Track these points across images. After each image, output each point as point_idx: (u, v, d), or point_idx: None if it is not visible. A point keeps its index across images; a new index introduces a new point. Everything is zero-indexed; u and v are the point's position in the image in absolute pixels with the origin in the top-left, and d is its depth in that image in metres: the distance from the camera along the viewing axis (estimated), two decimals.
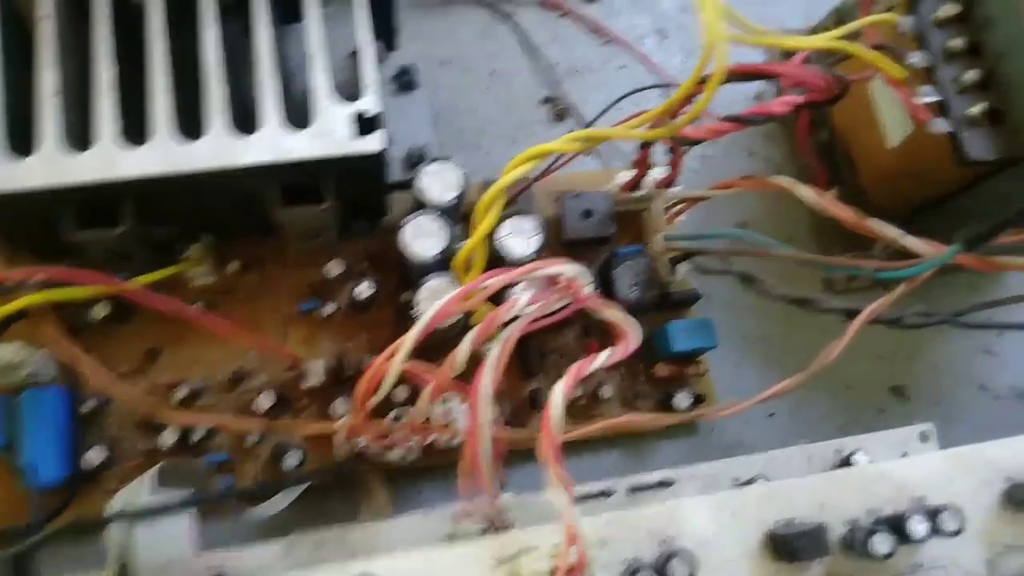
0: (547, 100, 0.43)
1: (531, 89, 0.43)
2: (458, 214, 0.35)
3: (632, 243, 0.39)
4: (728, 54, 0.27)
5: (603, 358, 0.26)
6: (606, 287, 0.37)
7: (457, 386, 0.27)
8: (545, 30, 0.44)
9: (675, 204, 0.38)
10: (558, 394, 0.24)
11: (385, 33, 0.38)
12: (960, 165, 0.32)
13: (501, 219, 0.34)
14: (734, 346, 0.40)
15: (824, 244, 0.42)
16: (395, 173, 0.38)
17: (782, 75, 0.30)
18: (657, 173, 0.38)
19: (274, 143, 0.30)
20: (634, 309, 0.37)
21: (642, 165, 0.36)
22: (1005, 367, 0.42)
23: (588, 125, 0.42)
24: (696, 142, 0.31)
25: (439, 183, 0.34)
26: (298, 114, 0.31)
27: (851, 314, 0.31)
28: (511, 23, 0.44)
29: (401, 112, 0.39)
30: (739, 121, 0.30)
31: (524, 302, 0.26)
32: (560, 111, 0.43)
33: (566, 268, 0.27)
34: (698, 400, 0.38)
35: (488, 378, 0.24)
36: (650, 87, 0.40)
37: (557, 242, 0.38)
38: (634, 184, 0.38)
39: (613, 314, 0.29)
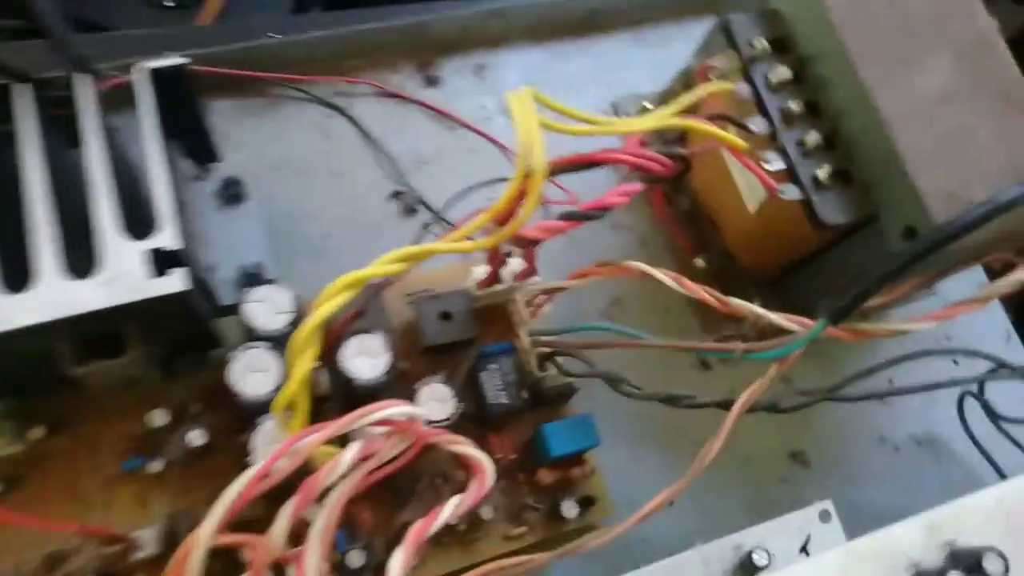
0: (395, 195, 0.40)
1: (376, 185, 0.40)
2: None
3: (501, 340, 0.36)
4: (543, 156, 0.24)
5: (449, 510, 0.22)
6: (475, 392, 0.34)
7: (286, 559, 0.23)
8: (385, 120, 0.41)
9: (537, 296, 0.35)
10: (397, 568, 0.21)
11: (200, 146, 0.35)
12: (816, 230, 0.31)
13: (346, 337, 0.31)
14: (622, 434, 0.38)
15: (703, 311, 0.41)
16: (227, 296, 0.34)
17: (616, 162, 0.28)
18: (515, 265, 0.35)
19: (54, 296, 0.26)
20: (506, 414, 0.34)
21: (495, 260, 0.34)
22: (901, 417, 0.41)
23: (438, 217, 0.39)
24: (533, 243, 0.28)
25: (267, 309, 0.31)
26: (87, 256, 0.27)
27: (725, 405, 0.28)
28: (346, 117, 0.41)
29: (229, 228, 0.36)
30: (576, 218, 0.27)
31: (349, 459, 0.22)
32: (410, 205, 0.40)
33: (397, 410, 0.24)
34: (588, 502, 0.35)
35: (313, 559, 0.21)
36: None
37: (416, 350, 0.35)
38: (491, 280, 0.35)
39: (463, 449, 0.25)
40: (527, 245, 0.29)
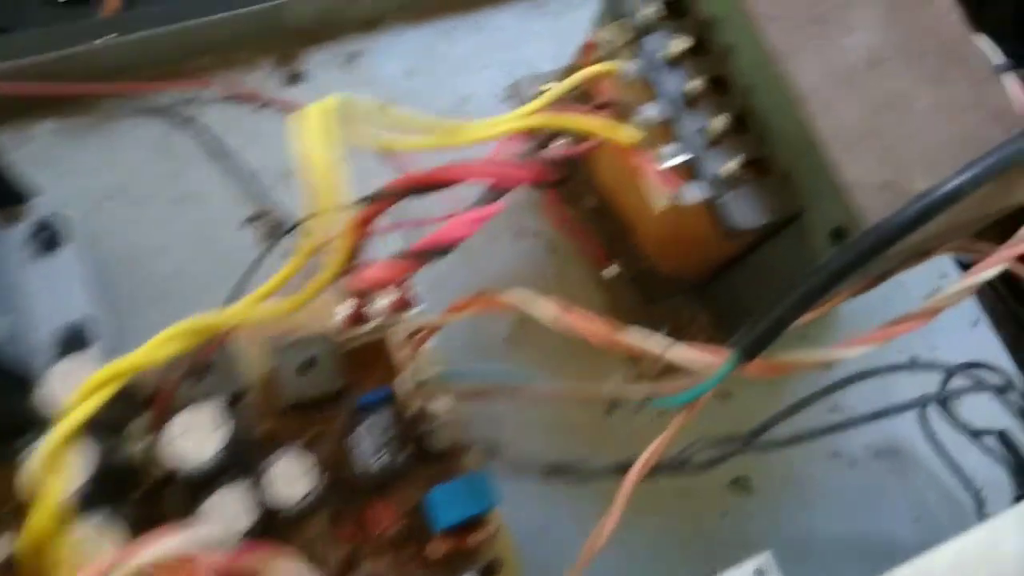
0: (254, 218, 0.34)
1: (232, 208, 0.34)
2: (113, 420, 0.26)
3: (382, 386, 0.31)
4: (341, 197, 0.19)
5: None
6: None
7: None
8: (240, 129, 0.35)
9: (415, 332, 0.30)
10: None
11: None
12: (726, 236, 0.25)
13: (174, 411, 0.26)
14: (536, 483, 0.32)
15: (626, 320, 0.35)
16: (45, 364, 0.28)
17: (464, 177, 0.22)
18: (387, 296, 0.30)
19: None
20: (387, 476, 0.29)
21: (360, 297, 0.28)
22: (856, 427, 0.36)
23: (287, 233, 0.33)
24: (374, 290, 0.23)
25: (72, 384, 0.25)
26: None
27: (622, 469, 0.23)
28: (194, 129, 0.35)
29: (43, 282, 0.30)
30: (418, 257, 0.22)
31: None
32: (272, 228, 0.34)
33: (167, 546, 0.18)
34: (492, 570, 0.30)
35: None
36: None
37: (278, 409, 0.30)
38: (358, 317, 0.30)
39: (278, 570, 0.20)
40: (367, 294, 0.23)
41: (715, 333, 0.34)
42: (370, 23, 0.38)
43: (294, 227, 0.33)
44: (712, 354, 0.23)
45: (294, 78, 0.36)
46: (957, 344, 0.38)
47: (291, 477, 0.27)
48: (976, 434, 0.32)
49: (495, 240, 0.36)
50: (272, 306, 0.21)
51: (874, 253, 0.21)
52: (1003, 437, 0.31)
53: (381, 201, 0.23)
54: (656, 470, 0.23)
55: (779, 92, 0.25)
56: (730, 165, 0.25)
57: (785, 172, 0.26)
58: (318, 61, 0.37)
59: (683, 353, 0.23)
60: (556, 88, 0.25)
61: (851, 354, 0.23)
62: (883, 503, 0.35)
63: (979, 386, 0.31)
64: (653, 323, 0.35)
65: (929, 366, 0.33)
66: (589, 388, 0.25)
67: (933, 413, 0.34)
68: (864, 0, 0.26)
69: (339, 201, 0.19)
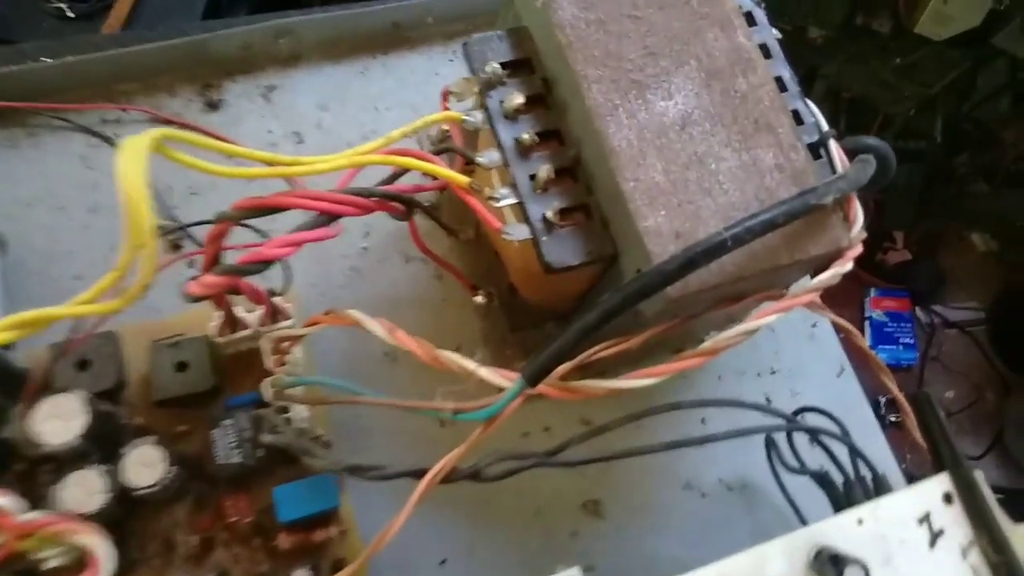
0: (160, 229, 0.37)
1: None
2: None
3: (252, 390, 0.33)
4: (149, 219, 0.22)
5: None
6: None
7: None
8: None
9: (282, 342, 0.32)
10: None
11: None
12: (546, 272, 0.28)
13: (38, 399, 0.29)
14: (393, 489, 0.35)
15: (494, 345, 0.38)
16: None
17: (293, 205, 0.25)
18: (258, 308, 0.33)
19: None
20: (240, 473, 0.32)
21: (222, 304, 0.31)
22: (712, 460, 0.38)
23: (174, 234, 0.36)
24: (198, 300, 0.25)
25: None
26: None
27: (417, 475, 0.26)
28: (113, 147, 0.38)
29: None
30: (238, 271, 0.25)
31: None
32: (174, 240, 0.37)
33: None
34: (338, 567, 0.32)
35: None
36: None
37: (146, 403, 0.33)
38: (228, 325, 0.32)
39: (78, 539, 0.23)
40: (196, 300, 0.26)
41: None
42: (288, 60, 0.41)
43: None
44: (507, 378, 0.26)
45: (212, 105, 0.40)
46: (819, 390, 0.40)
47: (143, 465, 0.29)
48: (810, 473, 0.34)
49: (386, 262, 0.39)
50: (99, 306, 0.24)
51: (640, 296, 0.24)
52: (819, 477, 0.33)
53: (226, 221, 0.26)
54: (449, 479, 0.25)
55: (597, 146, 0.27)
56: (552, 207, 0.28)
57: (604, 218, 0.28)
58: (237, 92, 0.40)
59: (486, 374, 0.26)
60: (396, 131, 0.28)
61: (635, 384, 0.25)
62: (727, 535, 0.37)
63: (814, 432, 0.33)
64: (526, 348, 0.38)
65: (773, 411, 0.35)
66: (412, 401, 0.28)
67: (781, 451, 0.36)
68: (685, 68, 0.28)
69: (147, 221, 0.22)
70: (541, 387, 0.25)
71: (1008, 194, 1.13)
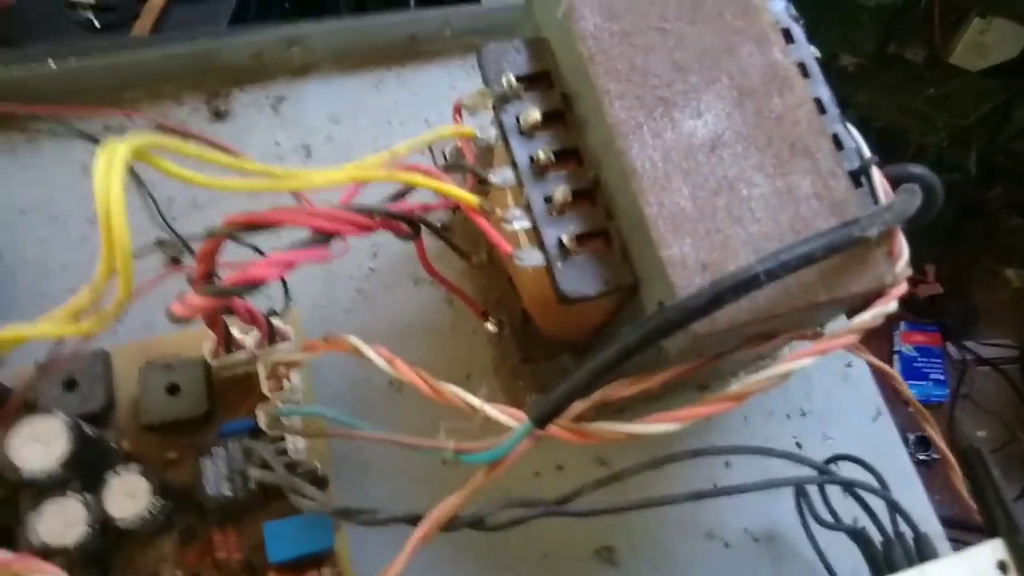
0: (162, 242, 0.36)
1: (140, 233, 0.36)
2: None
3: (248, 416, 0.31)
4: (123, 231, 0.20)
5: None
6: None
7: None
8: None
9: (278, 367, 0.31)
10: None
11: None
12: (560, 302, 0.26)
13: (17, 421, 0.27)
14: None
15: (503, 375, 0.36)
16: None
17: (287, 222, 0.23)
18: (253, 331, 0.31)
19: None
20: (229, 507, 0.30)
21: (215, 326, 0.29)
22: (737, 509, 0.35)
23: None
24: (182, 321, 0.24)
25: None
26: None
27: (412, 520, 0.23)
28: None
29: None
30: (226, 291, 0.23)
31: None
32: (174, 255, 0.35)
33: None
34: None
35: None
36: None
37: (134, 427, 0.31)
38: (222, 347, 0.31)
39: None
40: (179, 321, 0.24)
41: None
42: (300, 70, 0.39)
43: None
44: (515, 418, 0.23)
45: (219, 115, 0.38)
46: (853, 435, 0.37)
47: (126, 495, 0.27)
48: (844, 528, 0.32)
49: (394, 286, 0.37)
50: (70, 327, 0.22)
51: (662, 333, 0.22)
52: (854, 533, 0.30)
53: (217, 237, 0.24)
54: (451, 527, 0.23)
55: (619, 167, 0.25)
56: (568, 233, 0.26)
57: (625, 246, 0.26)
58: (246, 101, 0.39)
59: (492, 412, 0.24)
60: (402, 144, 0.26)
61: (652, 430, 0.23)
62: None
63: (849, 485, 0.31)
64: (538, 380, 0.36)
65: (805, 460, 0.32)
66: (411, 439, 0.26)
67: (812, 501, 0.33)
68: (716, 85, 0.26)
69: (122, 240, 0.20)
70: (551, 429, 0.23)
71: None
